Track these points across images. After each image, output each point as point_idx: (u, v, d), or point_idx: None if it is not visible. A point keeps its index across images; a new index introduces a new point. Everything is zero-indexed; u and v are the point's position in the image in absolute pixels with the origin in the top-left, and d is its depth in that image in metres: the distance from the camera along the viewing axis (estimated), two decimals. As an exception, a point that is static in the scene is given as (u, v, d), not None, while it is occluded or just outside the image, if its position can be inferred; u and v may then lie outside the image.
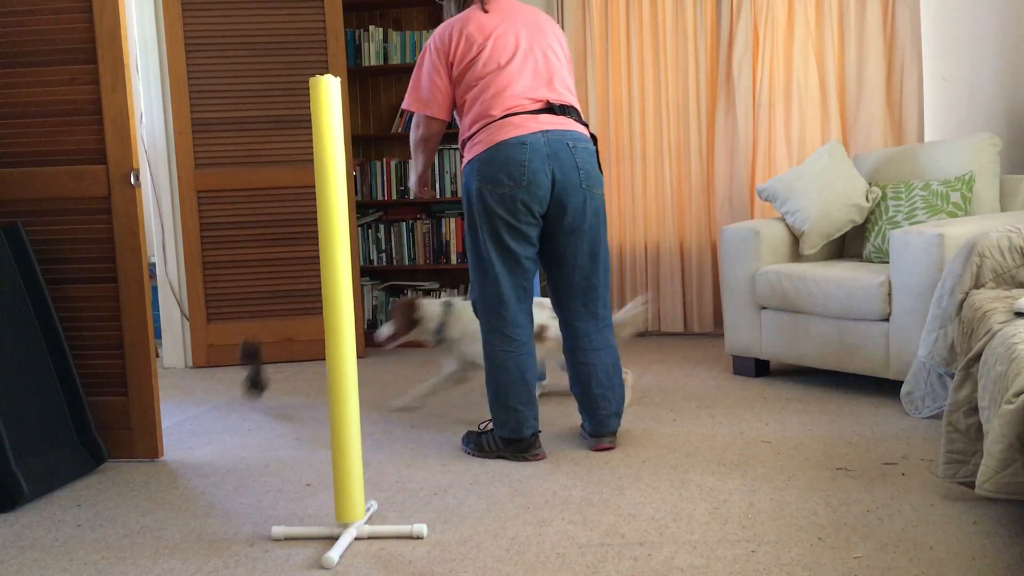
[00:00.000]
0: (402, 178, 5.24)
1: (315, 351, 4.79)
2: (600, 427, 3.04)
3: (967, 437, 2.40)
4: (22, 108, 3.07)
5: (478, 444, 3.04)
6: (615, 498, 2.57)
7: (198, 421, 3.68)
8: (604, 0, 4.90)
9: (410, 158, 5.22)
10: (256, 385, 3.75)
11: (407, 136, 5.24)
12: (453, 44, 2.92)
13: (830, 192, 3.93)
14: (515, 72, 2.89)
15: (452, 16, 3.05)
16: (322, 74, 2.24)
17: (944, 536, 2.20)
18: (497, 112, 2.87)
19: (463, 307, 3.46)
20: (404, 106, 3.04)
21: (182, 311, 4.77)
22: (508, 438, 2.95)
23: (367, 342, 5.14)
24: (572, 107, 2.96)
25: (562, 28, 4.98)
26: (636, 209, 4.96)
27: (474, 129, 2.91)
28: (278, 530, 2.37)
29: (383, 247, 5.29)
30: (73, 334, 3.08)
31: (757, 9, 4.70)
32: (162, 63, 4.64)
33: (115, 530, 2.50)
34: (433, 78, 2.95)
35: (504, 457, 2.98)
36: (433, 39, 2.97)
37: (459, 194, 5.13)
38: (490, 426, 3.10)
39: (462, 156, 2.99)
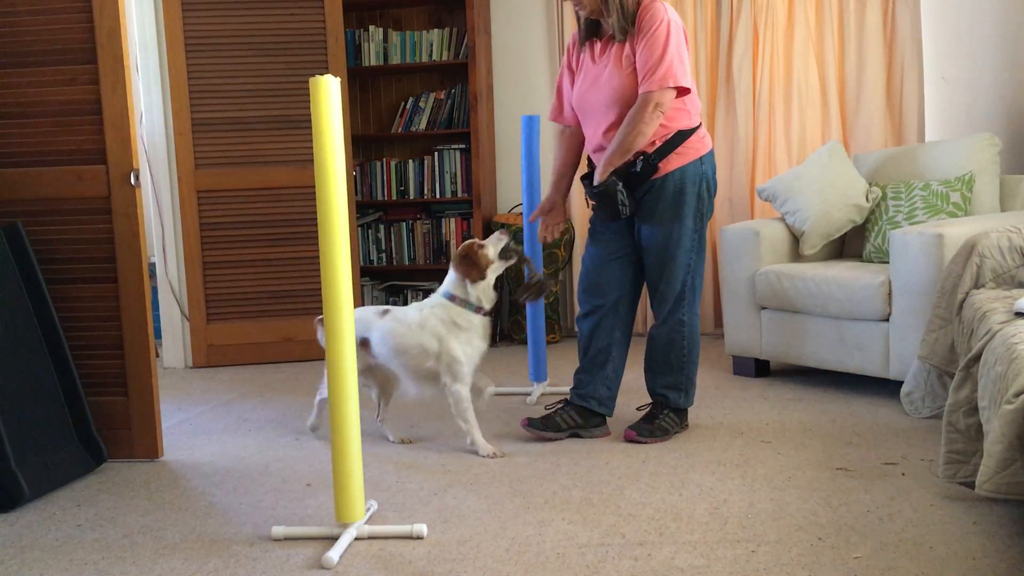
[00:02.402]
0: (402, 178, 5.23)
1: (315, 351, 4.78)
2: None
3: (967, 437, 2.40)
4: (22, 108, 3.06)
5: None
6: (615, 498, 2.57)
7: (198, 421, 3.68)
8: (604, 0, 4.90)
9: (409, 158, 5.25)
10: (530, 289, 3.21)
11: (407, 136, 5.24)
12: (685, 31, 2.98)
13: (830, 192, 3.93)
14: None
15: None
16: (322, 74, 2.24)
17: (944, 536, 2.20)
18: None
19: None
20: (681, 83, 2.87)
21: (182, 311, 4.77)
22: (687, 411, 3.21)
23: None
24: None
25: (561, 28, 4.98)
26: (636, 209, 4.96)
27: (696, 123, 3.03)
28: (278, 530, 2.37)
29: (383, 247, 5.29)
30: (73, 334, 3.07)
31: (757, 9, 4.70)
32: (162, 63, 4.64)
33: (115, 530, 2.50)
34: (686, 56, 2.94)
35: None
36: (673, 17, 2.91)
37: (462, 193, 5.13)
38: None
39: (662, 152, 2.95)
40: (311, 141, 2.26)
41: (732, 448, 2.99)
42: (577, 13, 3.05)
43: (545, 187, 3.51)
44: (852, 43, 4.62)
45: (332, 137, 2.23)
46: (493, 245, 3.05)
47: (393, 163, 5.24)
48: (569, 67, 3.15)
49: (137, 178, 3.07)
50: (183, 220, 4.67)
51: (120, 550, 2.36)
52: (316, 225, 2.32)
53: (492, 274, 3.04)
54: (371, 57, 5.19)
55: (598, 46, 3.04)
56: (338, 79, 2.24)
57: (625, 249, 3.14)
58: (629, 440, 3.08)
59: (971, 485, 2.33)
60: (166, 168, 4.70)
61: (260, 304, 4.70)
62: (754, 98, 4.76)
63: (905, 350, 3.32)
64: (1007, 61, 4.52)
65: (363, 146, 5.42)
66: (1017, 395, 1.87)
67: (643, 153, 2.94)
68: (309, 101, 2.23)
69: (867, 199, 3.91)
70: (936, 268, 3.20)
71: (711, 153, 3.06)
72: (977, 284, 2.93)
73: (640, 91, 2.89)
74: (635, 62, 2.91)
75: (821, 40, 4.66)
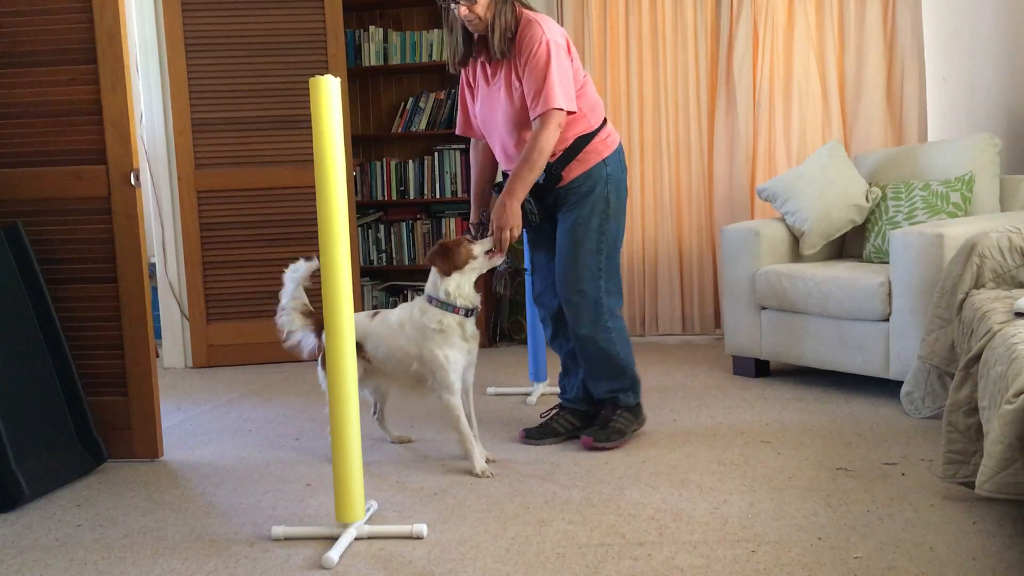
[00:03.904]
0: (402, 178, 5.24)
1: (315, 351, 4.78)
2: None
3: (967, 437, 2.39)
4: (22, 108, 3.07)
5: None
6: (615, 498, 2.57)
7: (198, 421, 3.68)
8: (603, 0, 4.90)
9: (409, 158, 5.24)
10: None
11: (407, 136, 5.24)
12: (569, 42, 2.95)
13: (830, 192, 3.93)
14: None
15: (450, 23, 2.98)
16: (322, 74, 2.24)
17: (944, 536, 2.20)
18: None
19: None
20: (562, 105, 2.81)
21: (182, 311, 4.77)
22: (640, 404, 3.15)
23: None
24: None
25: (562, 27, 4.97)
26: (634, 209, 4.95)
27: (597, 125, 2.99)
28: (278, 530, 2.37)
29: (383, 247, 5.29)
30: (73, 334, 3.07)
31: (757, 9, 4.70)
32: (162, 63, 4.64)
33: (115, 530, 2.50)
34: (569, 73, 2.89)
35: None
36: (552, 35, 2.85)
37: (462, 193, 5.13)
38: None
39: (563, 161, 2.93)
40: (311, 141, 2.25)
41: (732, 448, 2.99)
42: (464, 28, 2.93)
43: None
44: (852, 43, 4.62)
45: (332, 137, 2.23)
46: (481, 244, 2.89)
47: (393, 163, 5.24)
48: (468, 83, 3.09)
49: (137, 178, 3.07)
50: (183, 220, 4.67)
51: (120, 550, 2.36)
52: (316, 225, 2.31)
53: (471, 272, 2.86)
54: (371, 57, 5.19)
55: (490, 68, 2.98)
56: (338, 79, 2.24)
57: (541, 256, 3.17)
58: (588, 448, 3.02)
59: (971, 485, 2.33)
60: (166, 168, 4.70)
61: (260, 304, 4.69)
62: (754, 98, 4.76)
63: (905, 350, 3.32)
64: (1007, 61, 4.52)
65: (363, 146, 5.42)
66: (1017, 395, 1.87)
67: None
68: (309, 101, 2.23)
69: (867, 199, 3.91)
70: (936, 268, 3.20)
71: (616, 153, 3.01)
72: (977, 284, 2.93)
73: (533, 115, 2.84)
74: (520, 87, 2.88)
75: (821, 40, 4.66)
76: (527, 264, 3.25)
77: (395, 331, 2.92)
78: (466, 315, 2.86)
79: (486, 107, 3.02)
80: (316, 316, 3.07)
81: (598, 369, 3.07)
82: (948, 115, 4.60)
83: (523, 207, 2.91)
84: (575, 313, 3.01)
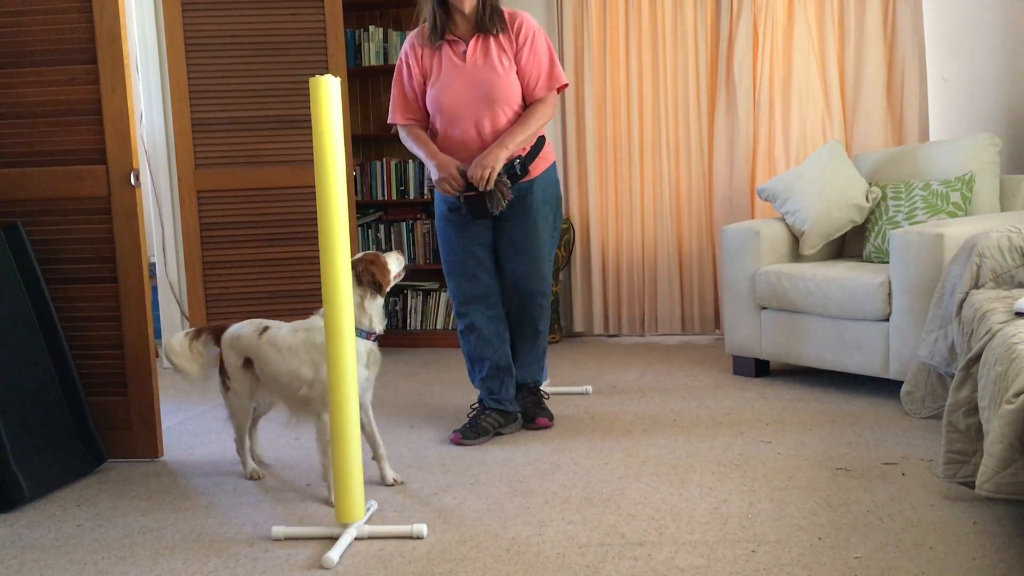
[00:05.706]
0: (402, 178, 5.24)
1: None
2: None
3: (967, 437, 2.40)
4: (22, 108, 3.07)
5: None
6: (615, 498, 2.57)
7: (198, 421, 3.68)
8: (603, 0, 4.90)
9: (409, 158, 5.24)
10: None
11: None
12: None
13: (830, 192, 3.93)
14: None
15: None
16: (322, 74, 2.24)
17: (944, 536, 2.20)
18: None
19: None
20: (565, 81, 3.12)
21: (182, 311, 4.77)
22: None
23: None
24: None
25: (561, 27, 4.97)
26: (634, 209, 4.96)
27: (544, 133, 3.20)
28: (278, 530, 2.38)
29: (383, 247, 5.28)
30: (73, 334, 3.07)
31: (757, 9, 4.70)
32: (162, 63, 4.64)
33: (115, 530, 2.50)
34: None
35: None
36: (543, 31, 3.14)
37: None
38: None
39: (532, 155, 3.10)
40: (311, 141, 2.25)
41: (732, 448, 2.99)
42: (450, 9, 3.00)
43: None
44: (852, 42, 4.62)
45: (332, 137, 2.23)
46: (396, 261, 2.71)
47: (393, 163, 5.24)
48: (421, 67, 3.09)
49: (137, 178, 3.07)
50: (183, 220, 4.67)
51: (120, 550, 2.36)
52: (316, 225, 2.31)
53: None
54: (371, 57, 5.19)
55: (464, 46, 3.03)
56: (338, 79, 2.24)
57: (484, 251, 3.23)
58: (545, 427, 3.28)
59: (971, 485, 2.34)
60: (166, 168, 4.70)
61: (260, 304, 4.69)
62: (754, 98, 4.76)
63: (905, 350, 3.32)
64: (1007, 61, 4.52)
65: (363, 146, 5.42)
66: (1017, 395, 1.87)
67: (517, 157, 3.05)
68: (309, 101, 2.23)
69: (867, 199, 3.91)
70: (936, 268, 3.20)
71: (554, 163, 3.24)
72: (977, 284, 2.93)
73: (540, 94, 3.08)
74: (516, 65, 3.04)
75: (821, 40, 4.66)
76: (444, 261, 3.30)
77: (285, 355, 2.67)
78: (375, 340, 2.68)
79: (459, 85, 3.03)
80: (210, 330, 2.91)
81: (539, 356, 3.35)
82: (948, 115, 4.60)
83: (498, 195, 3.00)
84: (540, 309, 3.23)
